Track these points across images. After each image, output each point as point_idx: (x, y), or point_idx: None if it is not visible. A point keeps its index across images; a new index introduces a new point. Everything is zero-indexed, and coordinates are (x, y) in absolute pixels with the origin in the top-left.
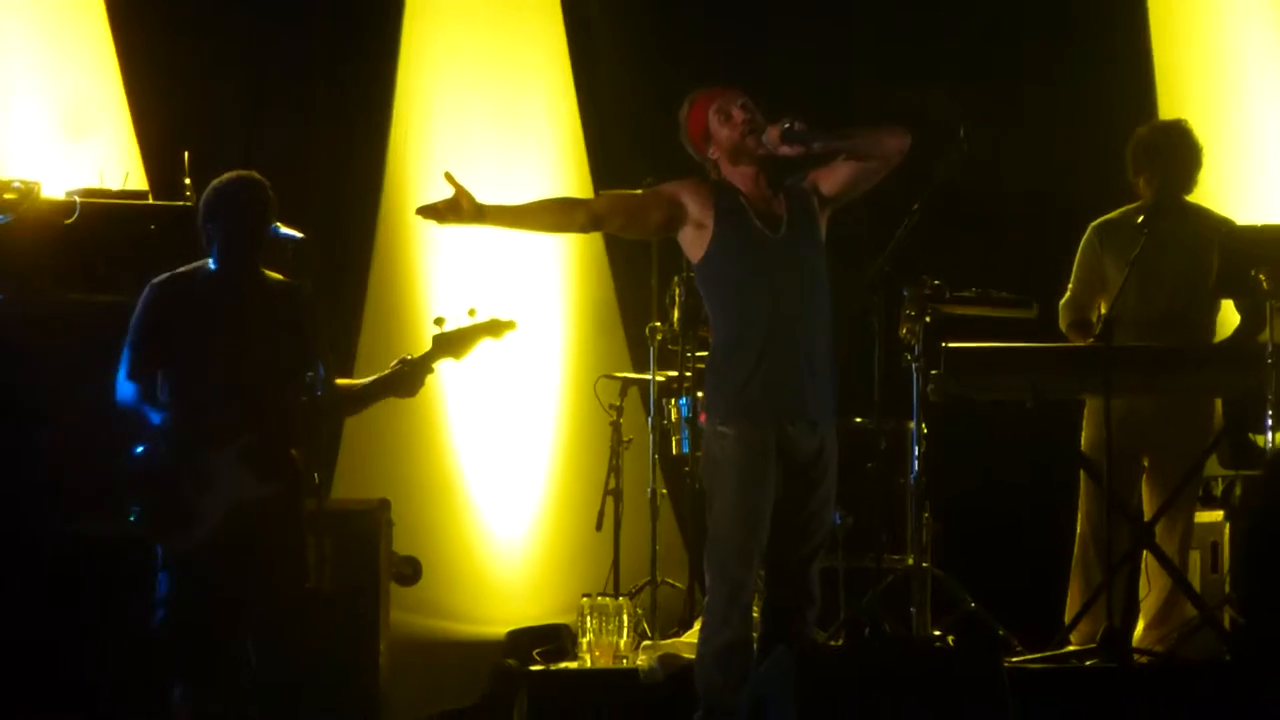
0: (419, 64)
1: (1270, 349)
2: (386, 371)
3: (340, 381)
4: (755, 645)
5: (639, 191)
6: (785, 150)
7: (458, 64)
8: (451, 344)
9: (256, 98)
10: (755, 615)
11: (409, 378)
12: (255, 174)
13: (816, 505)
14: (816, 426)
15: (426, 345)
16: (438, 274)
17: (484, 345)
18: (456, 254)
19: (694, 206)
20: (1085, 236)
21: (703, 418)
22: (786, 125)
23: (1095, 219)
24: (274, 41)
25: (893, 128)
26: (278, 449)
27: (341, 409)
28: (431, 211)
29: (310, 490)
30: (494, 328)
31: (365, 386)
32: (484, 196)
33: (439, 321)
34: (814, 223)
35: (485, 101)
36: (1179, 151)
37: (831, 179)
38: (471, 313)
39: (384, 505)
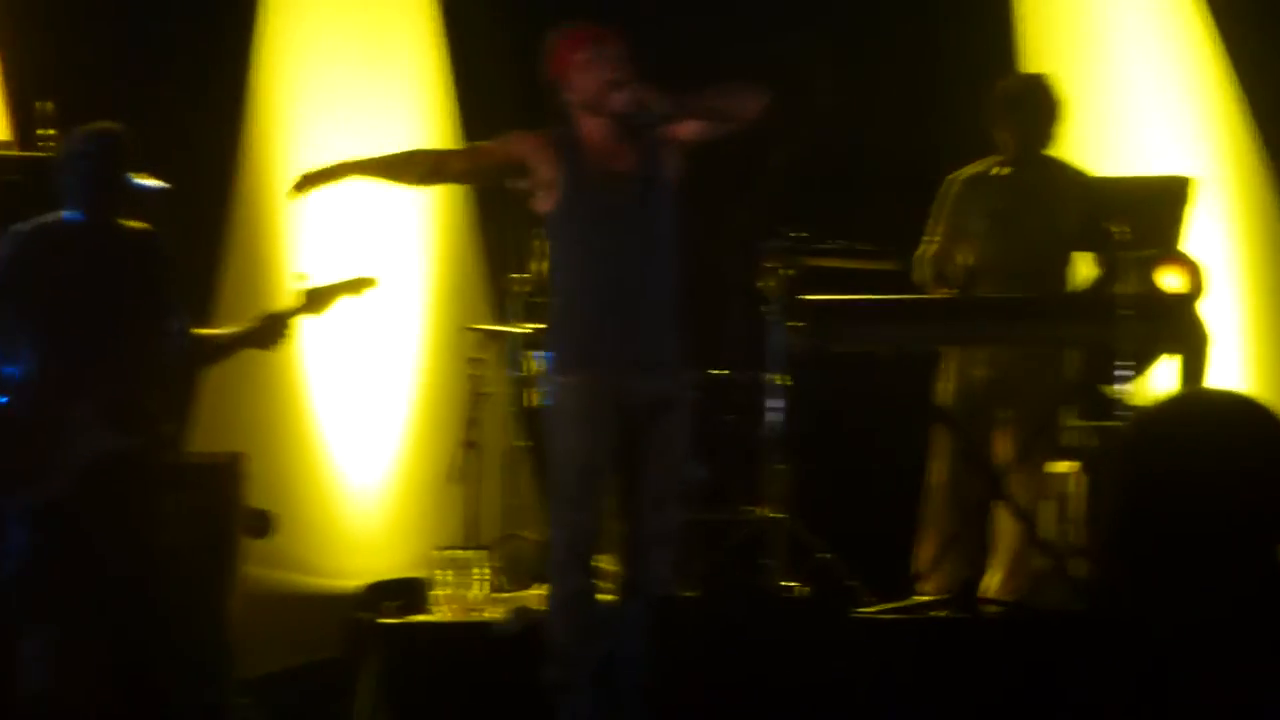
0: (283, 12)
1: (1124, 299)
2: (247, 325)
3: (199, 332)
4: (619, 596)
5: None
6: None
7: (323, 12)
8: (312, 300)
9: (120, 50)
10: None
11: (269, 332)
12: (112, 124)
13: (659, 453)
14: (656, 376)
15: (288, 299)
16: (299, 225)
17: (344, 302)
18: (318, 205)
19: (538, 161)
20: (945, 188)
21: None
22: (637, 108)
23: (955, 169)
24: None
25: (749, 90)
26: (137, 401)
27: (200, 360)
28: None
29: (166, 443)
30: (355, 285)
31: (225, 338)
32: (347, 136)
33: (300, 277)
34: (663, 176)
35: (350, 52)
36: (1040, 105)
37: (684, 130)
38: (337, 279)
39: (239, 458)
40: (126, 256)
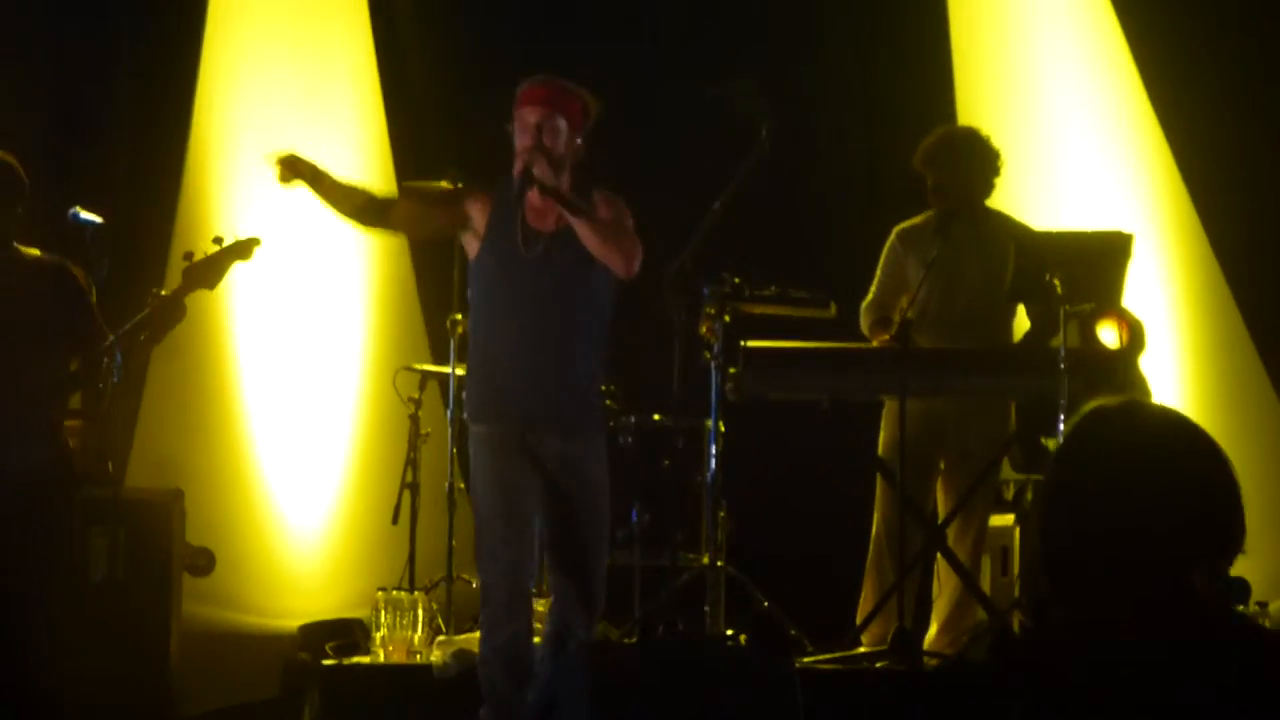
0: (224, 44)
1: (1063, 353)
2: (141, 315)
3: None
4: (549, 642)
5: (437, 189)
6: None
7: (262, 44)
8: (201, 274)
9: (58, 77)
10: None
11: (163, 314)
12: (2, 155)
13: (574, 508)
14: (563, 433)
15: (224, 324)
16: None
17: (237, 269)
18: (256, 234)
19: (476, 214)
20: (889, 241)
21: None
22: (528, 166)
23: (896, 221)
24: (77, 21)
25: (624, 247)
26: (39, 428)
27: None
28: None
29: (104, 479)
30: (241, 249)
31: (128, 334)
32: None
33: (188, 256)
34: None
35: (290, 83)
36: (975, 157)
37: (581, 232)
38: (219, 240)
39: (177, 495)
40: (27, 284)
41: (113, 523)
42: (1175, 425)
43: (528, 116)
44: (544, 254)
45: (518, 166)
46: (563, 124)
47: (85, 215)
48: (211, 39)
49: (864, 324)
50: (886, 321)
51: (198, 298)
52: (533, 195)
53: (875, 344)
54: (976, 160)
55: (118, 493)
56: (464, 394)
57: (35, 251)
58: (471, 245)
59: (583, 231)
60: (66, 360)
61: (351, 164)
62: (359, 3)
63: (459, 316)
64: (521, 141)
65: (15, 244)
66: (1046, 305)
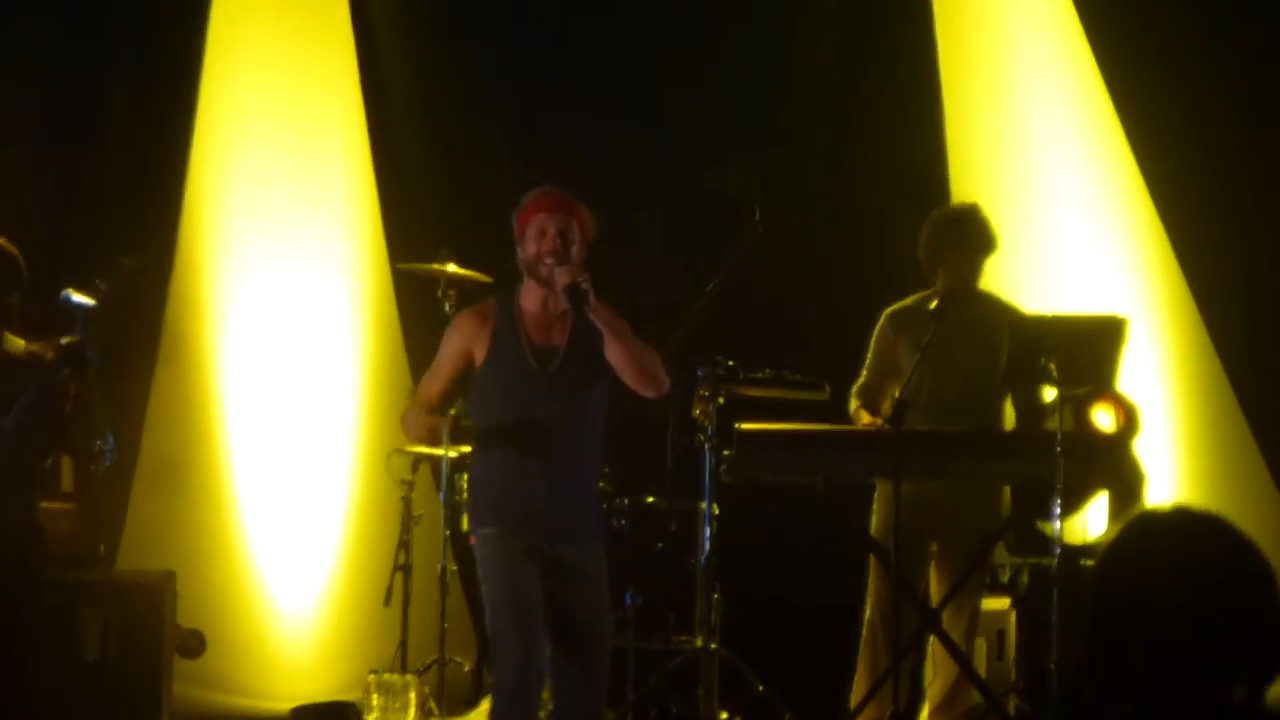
0: (216, 122)
1: (1058, 437)
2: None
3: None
4: None
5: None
6: (562, 299)
7: (255, 122)
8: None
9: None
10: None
11: (66, 362)
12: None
13: (578, 606)
14: (565, 543)
15: (216, 407)
16: (229, 341)
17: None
18: (248, 321)
19: (476, 338)
20: (879, 323)
21: (471, 538)
22: (578, 282)
23: (888, 301)
24: (73, 100)
25: (658, 372)
26: (12, 514)
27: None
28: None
29: (95, 560)
30: (117, 274)
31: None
32: (277, 257)
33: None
34: (594, 355)
35: (282, 163)
36: (971, 240)
37: (609, 350)
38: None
39: (169, 577)
40: (7, 373)
41: (104, 604)
42: (1228, 538)
43: (546, 224)
44: (557, 371)
45: (562, 280)
46: (578, 232)
47: (77, 298)
48: (204, 117)
49: (850, 406)
50: (873, 410)
51: (189, 381)
52: (541, 305)
53: (859, 426)
54: (972, 243)
55: (109, 574)
56: (470, 502)
57: (21, 343)
58: (476, 351)
59: (616, 349)
60: (44, 456)
61: (344, 243)
62: (352, 82)
63: None
64: (539, 247)
65: (6, 333)
66: (1034, 393)
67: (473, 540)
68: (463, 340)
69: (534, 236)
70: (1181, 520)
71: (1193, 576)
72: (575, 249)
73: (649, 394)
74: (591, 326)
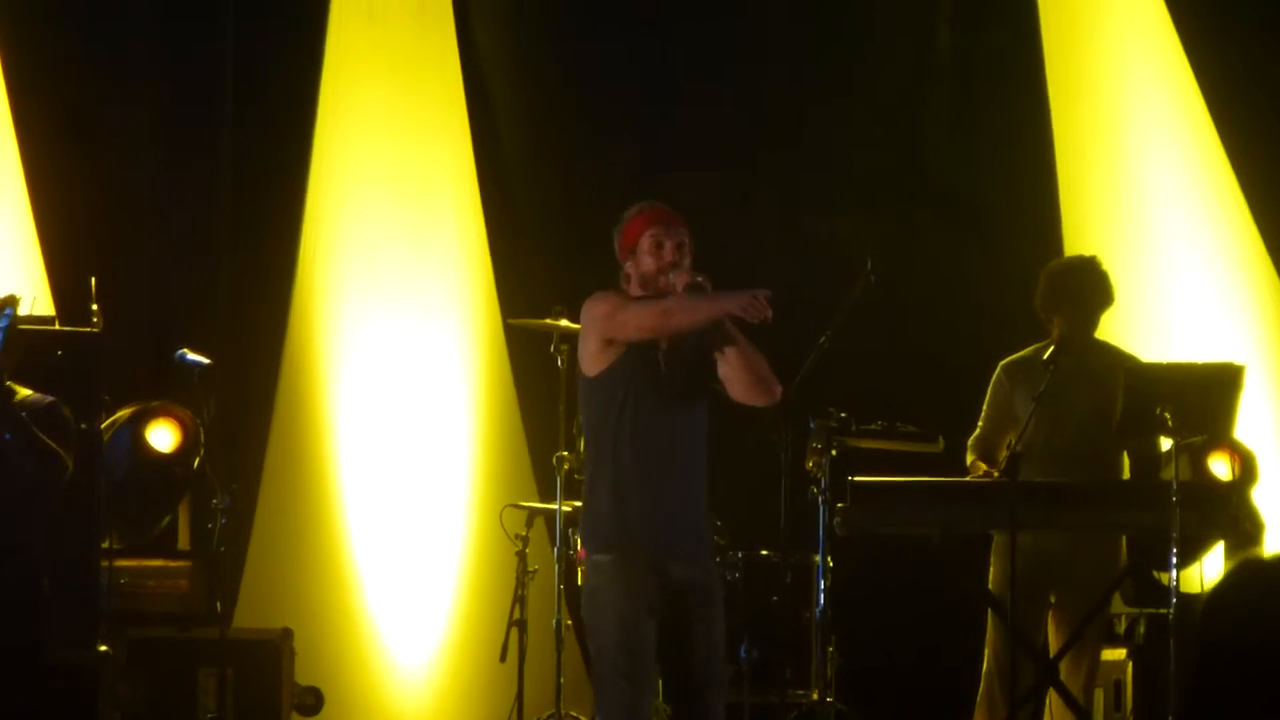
0: (329, 179)
1: (1175, 486)
2: None
3: None
4: None
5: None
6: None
7: (367, 183)
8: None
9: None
10: None
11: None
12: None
13: (702, 633)
14: (690, 563)
15: (331, 464)
16: (343, 398)
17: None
18: (361, 379)
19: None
20: (995, 375)
21: (580, 551)
22: (698, 281)
23: (1003, 353)
24: (187, 157)
25: (771, 377)
26: (18, 591)
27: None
28: None
29: (213, 618)
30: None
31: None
32: (390, 314)
33: None
34: (703, 365)
35: (393, 221)
36: (1088, 290)
37: (725, 360)
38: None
39: (286, 634)
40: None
41: (221, 662)
42: None
43: (661, 237)
44: (676, 376)
45: (682, 281)
46: (689, 244)
47: (192, 356)
48: (316, 174)
49: (967, 459)
50: (990, 461)
51: (304, 438)
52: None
53: (972, 478)
54: (1089, 293)
55: (226, 632)
56: (585, 522)
57: (27, 391)
58: (601, 356)
59: (733, 351)
60: (49, 504)
61: (456, 299)
62: (463, 137)
63: (565, 454)
64: (659, 261)
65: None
66: (1151, 443)
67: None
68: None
69: (649, 250)
70: (1269, 562)
71: None
72: (688, 261)
73: (761, 401)
74: (699, 340)
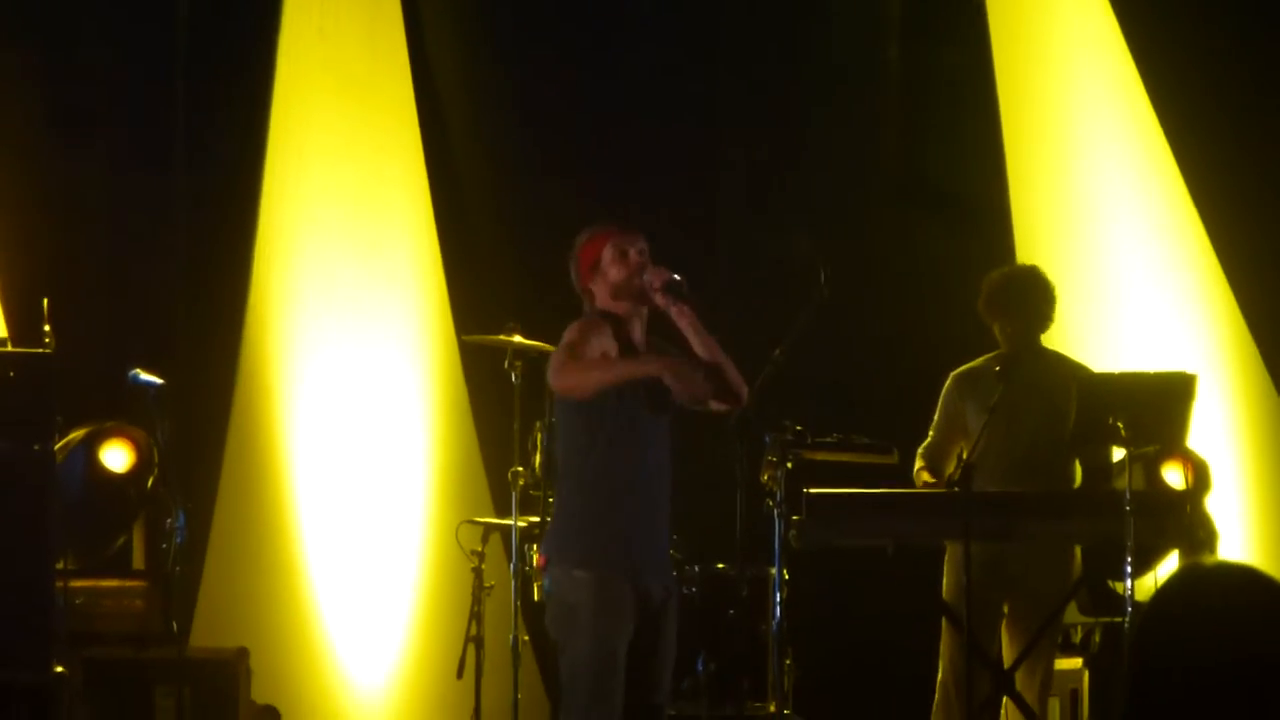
0: (281, 202)
1: (1128, 496)
2: None
3: None
4: None
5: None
6: (658, 299)
7: (320, 202)
8: None
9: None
10: None
11: None
12: None
13: (664, 653)
14: (663, 575)
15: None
16: (298, 418)
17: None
18: (316, 397)
19: (608, 344)
20: (946, 385)
21: (541, 560)
22: (674, 277)
23: (954, 364)
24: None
25: (738, 379)
26: None
27: None
28: None
29: (169, 638)
30: None
31: None
32: (345, 333)
33: None
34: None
35: (347, 238)
36: (1031, 297)
37: (698, 347)
38: None
39: (242, 654)
40: None
41: (178, 682)
42: (1274, 594)
43: (623, 246)
44: (650, 392)
45: (659, 277)
46: (649, 250)
47: (145, 376)
48: (268, 195)
49: (915, 466)
50: (937, 472)
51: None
52: (627, 340)
53: (918, 484)
54: (1032, 300)
55: (182, 652)
56: (559, 536)
57: None
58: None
59: (703, 351)
60: None
61: (411, 317)
62: (415, 156)
63: (520, 469)
64: (625, 269)
65: None
66: (1102, 452)
67: (542, 562)
68: (602, 341)
69: (614, 260)
70: (1227, 575)
71: (1238, 633)
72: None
73: (728, 404)
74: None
